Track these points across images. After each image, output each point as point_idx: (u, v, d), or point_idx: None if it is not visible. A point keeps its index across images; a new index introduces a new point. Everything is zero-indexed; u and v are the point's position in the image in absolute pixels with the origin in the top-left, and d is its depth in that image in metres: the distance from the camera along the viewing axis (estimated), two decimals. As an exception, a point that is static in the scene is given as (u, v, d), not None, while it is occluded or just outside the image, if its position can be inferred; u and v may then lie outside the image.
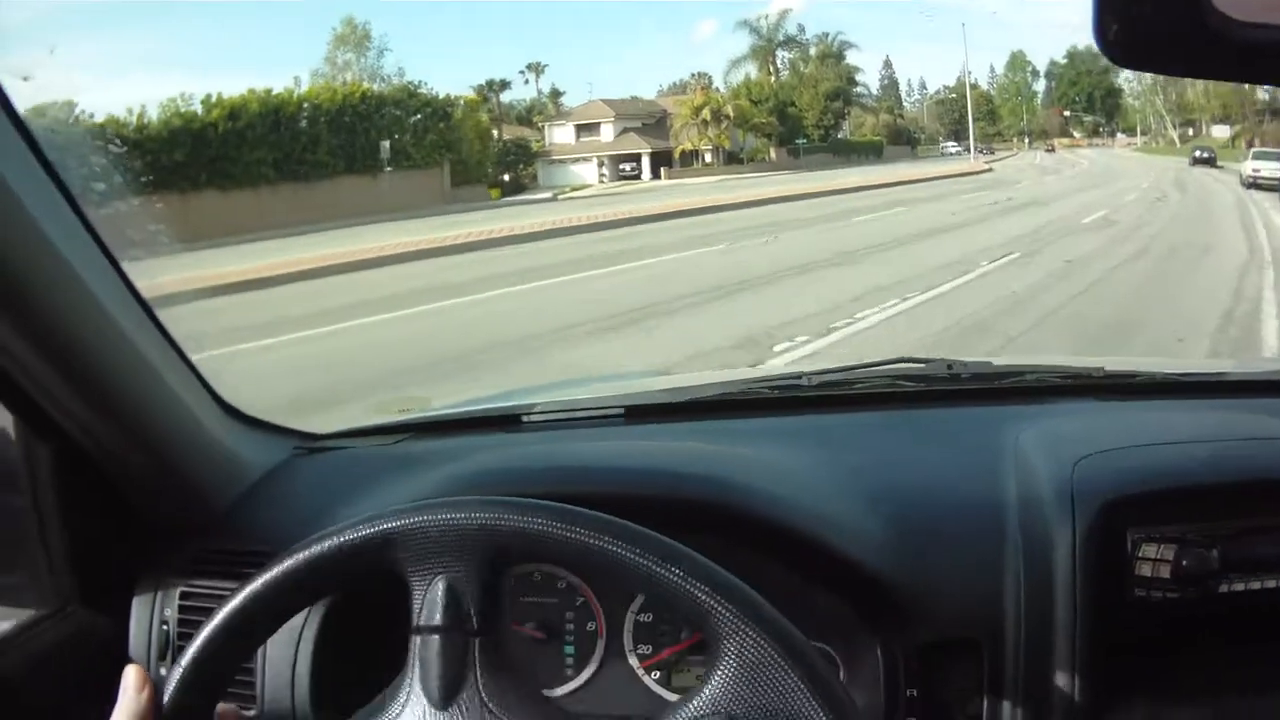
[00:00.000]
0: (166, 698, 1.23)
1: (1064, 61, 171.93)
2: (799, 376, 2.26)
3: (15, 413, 1.72)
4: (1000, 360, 2.48)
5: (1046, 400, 2.12)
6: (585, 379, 5.51)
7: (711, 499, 1.72)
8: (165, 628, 1.91)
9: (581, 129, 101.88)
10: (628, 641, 1.81)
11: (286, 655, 1.77)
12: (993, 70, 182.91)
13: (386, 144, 57.15)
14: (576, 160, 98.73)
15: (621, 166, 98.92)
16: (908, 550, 1.63)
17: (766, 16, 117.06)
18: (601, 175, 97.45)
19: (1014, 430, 1.88)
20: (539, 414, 2.27)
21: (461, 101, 71.44)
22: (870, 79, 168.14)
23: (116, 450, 1.78)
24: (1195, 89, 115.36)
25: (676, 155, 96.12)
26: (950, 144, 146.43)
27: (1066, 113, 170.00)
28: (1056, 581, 1.57)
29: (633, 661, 1.80)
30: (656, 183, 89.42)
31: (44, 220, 1.45)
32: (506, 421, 2.31)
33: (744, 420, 2.18)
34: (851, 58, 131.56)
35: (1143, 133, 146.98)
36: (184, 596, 1.92)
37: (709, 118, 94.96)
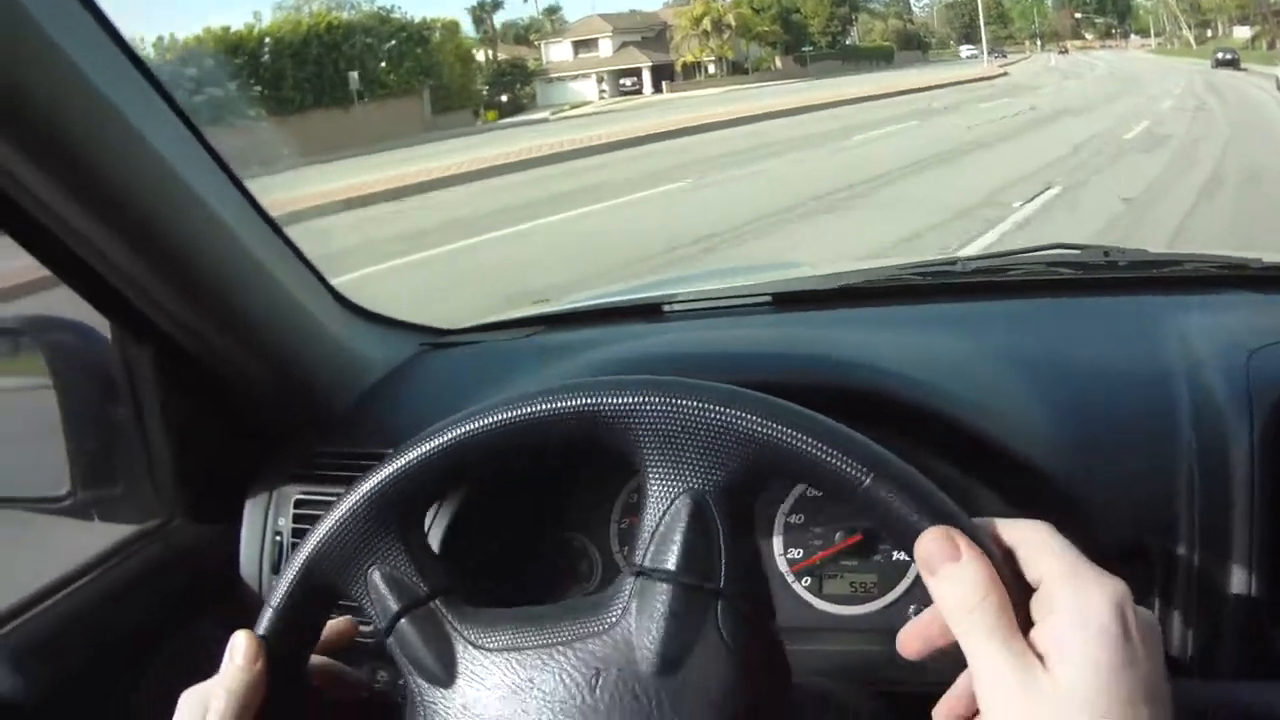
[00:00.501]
0: (272, 607, 1.11)
1: None
2: (953, 262, 2.16)
3: (109, 314, 1.62)
4: (1156, 249, 2.19)
5: (1206, 290, 1.96)
6: (728, 269, 4.75)
7: (869, 387, 1.58)
8: (279, 538, 1.80)
9: (579, 45, 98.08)
10: (778, 546, 1.66)
11: None
12: None
13: (355, 74, 53.90)
14: (575, 77, 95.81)
15: (622, 82, 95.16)
16: (1075, 447, 1.49)
17: None
18: (601, 91, 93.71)
19: (1177, 320, 1.74)
20: (681, 302, 2.18)
21: (439, 24, 67.89)
22: None
23: (223, 348, 1.68)
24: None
25: (678, 68, 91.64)
26: (965, 47, 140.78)
27: (1078, 14, 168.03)
28: (1234, 480, 1.43)
29: (783, 568, 1.65)
30: (658, 97, 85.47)
31: (143, 122, 1.39)
32: (647, 311, 2.21)
33: (896, 308, 2.04)
34: None
35: (1156, 34, 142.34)
36: (299, 505, 1.80)
37: (710, 28, 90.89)
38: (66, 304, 1.63)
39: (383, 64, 56.53)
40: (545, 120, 61.47)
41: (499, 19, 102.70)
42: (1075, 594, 0.86)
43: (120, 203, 1.39)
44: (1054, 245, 2.19)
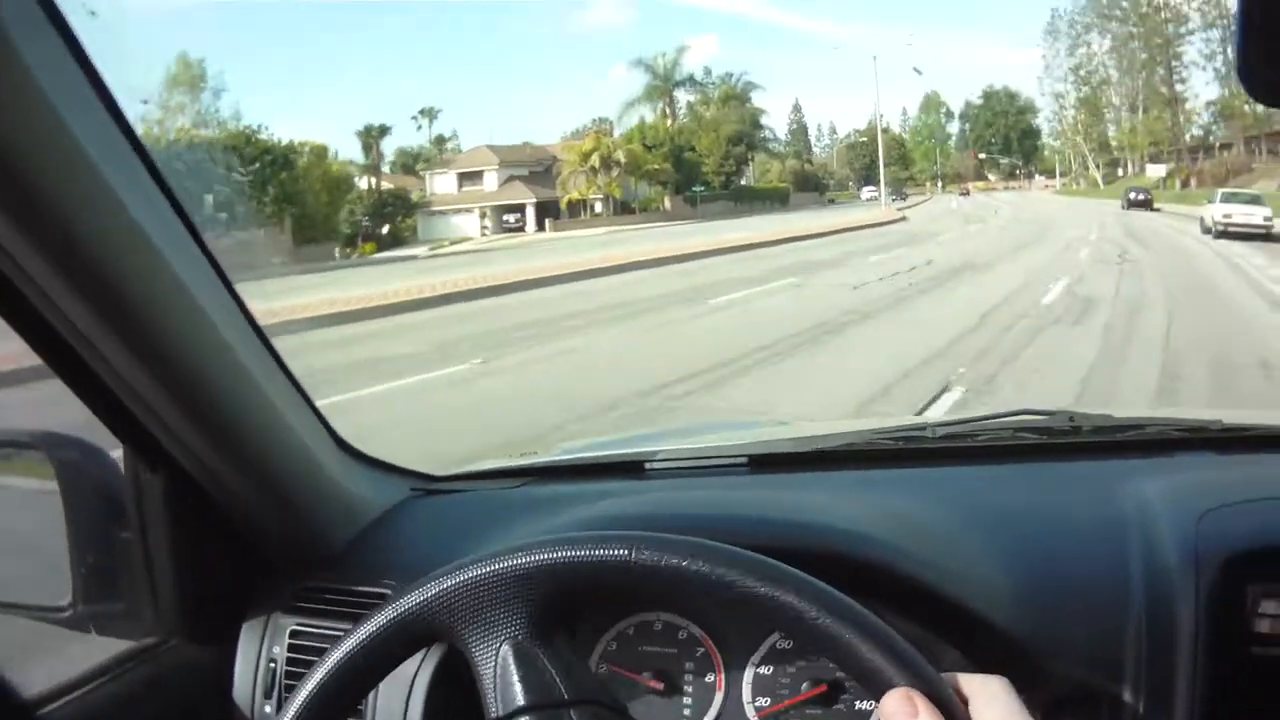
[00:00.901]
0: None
1: (979, 102, 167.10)
2: (922, 428, 2.26)
3: (126, 441, 1.73)
4: (1120, 413, 2.24)
5: (1166, 453, 2.07)
6: (707, 425, 5.19)
7: (842, 551, 1.68)
8: (273, 665, 1.90)
9: (464, 177, 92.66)
10: (746, 694, 1.74)
11: (397, 708, 1.75)
12: (905, 113, 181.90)
13: (210, 198, 47.12)
14: (458, 211, 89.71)
15: (505, 218, 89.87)
16: (1035, 607, 1.60)
17: (664, 55, 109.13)
18: (484, 228, 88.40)
19: (1136, 484, 1.84)
20: (663, 461, 2.24)
21: (307, 148, 63.27)
22: (778, 123, 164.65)
23: (232, 482, 1.77)
24: (1122, 126, 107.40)
25: (564, 205, 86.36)
26: (866, 189, 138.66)
27: (981, 155, 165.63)
28: (1179, 636, 1.53)
29: (750, 714, 1.73)
30: (540, 235, 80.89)
31: (166, 246, 1.45)
32: (630, 468, 2.27)
33: (868, 471, 2.14)
34: (758, 100, 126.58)
35: (1061, 174, 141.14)
36: (294, 635, 1.90)
37: (598, 164, 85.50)
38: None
39: (243, 187, 52.19)
40: (415, 257, 58.55)
41: (391, 146, 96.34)
42: None
43: (149, 341, 1.46)
44: (1020, 411, 2.24)
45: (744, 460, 2.19)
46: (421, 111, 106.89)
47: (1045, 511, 1.83)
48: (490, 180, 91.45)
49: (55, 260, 1.32)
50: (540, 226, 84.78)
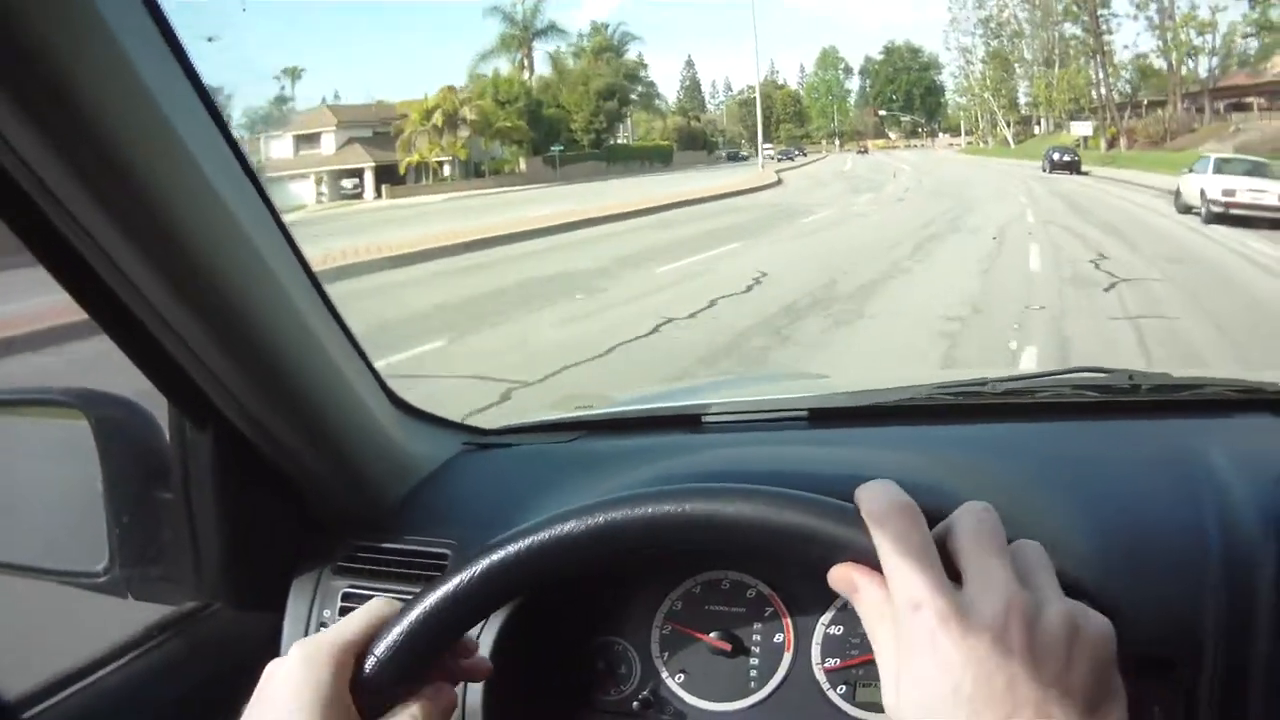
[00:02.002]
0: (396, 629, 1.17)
1: (880, 58, 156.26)
2: (983, 383, 2.19)
3: (173, 397, 1.66)
4: (1179, 372, 2.29)
5: (1225, 414, 2.07)
6: (763, 376, 5.62)
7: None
8: (324, 628, 1.71)
9: (301, 140, 79.63)
10: (815, 654, 1.69)
11: None
12: (803, 70, 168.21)
13: None
14: (294, 177, 76.25)
15: (343, 183, 77.51)
16: (1110, 565, 1.54)
17: (524, 1, 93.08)
18: (320, 195, 76.28)
19: (1201, 443, 1.79)
20: (719, 414, 2.21)
21: None
22: (669, 81, 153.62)
23: (284, 438, 1.70)
24: (1036, 82, 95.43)
25: (403, 169, 73.05)
26: (767, 146, 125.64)
27: (882, 112, 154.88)
28: (1259, 603, 1.48)
29: (819, 675, 1.68)
30: (377, 203, 69.86)
31: (225, 193, 1.40)
32: (686, 421, 2.23)
33: (928, 427, 2.08)
34: (639, 53, 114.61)
35: (968, 132, 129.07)
36: (346, 598, 1.82)
37: (440, 123, 71.94)
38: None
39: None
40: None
41: (238, 107, 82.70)
42: (973, 582, 0.95)
43: (202, 284, 1.41)
44: (1079, 368, 2.27)
45: (803, 413, 2.15)
46: (285, 70, 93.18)
47: (1112, 469, 1.75)
48: (329, 143, 79.57)
49: (106, 205, 1.26)
50: (379, 193, 73.12)
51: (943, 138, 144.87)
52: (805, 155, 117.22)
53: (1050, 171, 56.93)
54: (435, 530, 1.83)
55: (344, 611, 1.78)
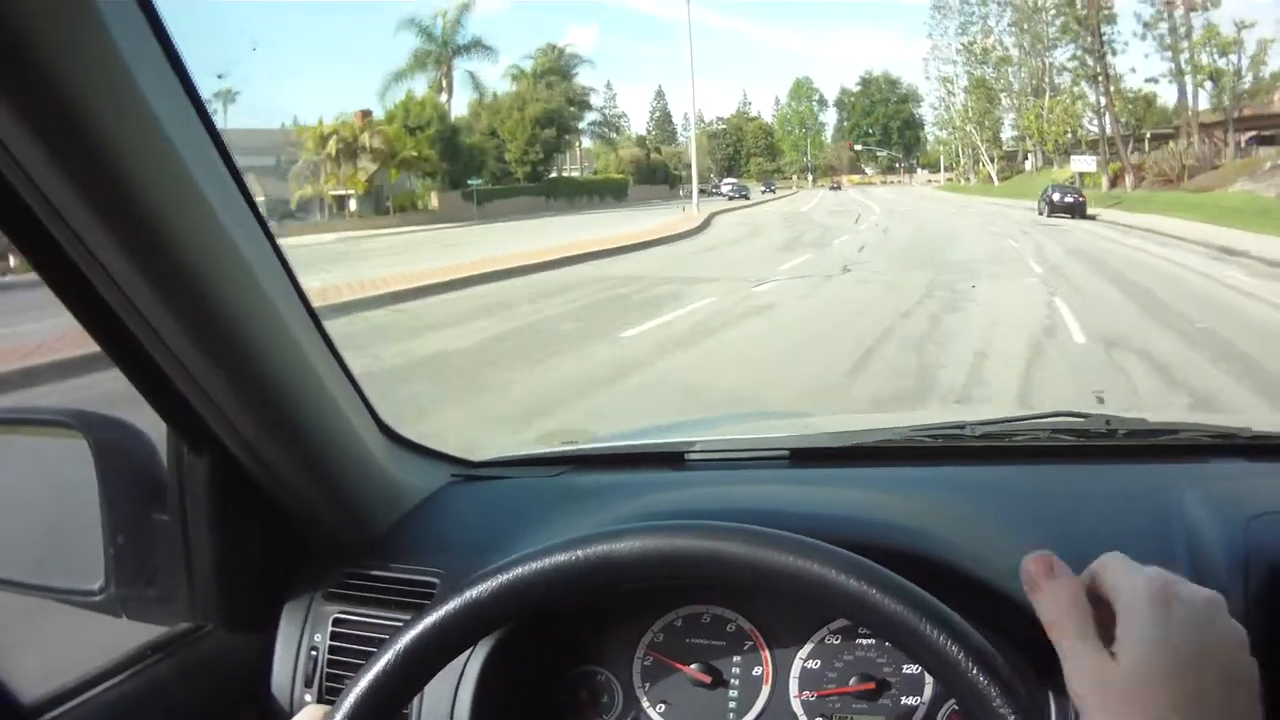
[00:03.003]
0: (352, 695, 1.24)
1: (857, 89, 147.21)
2: (961, 426, 2.19)
3: (171, 421, 1.69)
4: (1154, 417, 2.26)
5: (1200, 459, 2.06)
6: (745, 415, 4.96)
7: (882, 543, 1.62)
8: (314, 653, 1.86)
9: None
10: (793, 687, 1.73)
11: (446, 695, 1.71)
12: (778, 102, 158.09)
13: None
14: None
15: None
16: None
17: (445, 14, 78.74)
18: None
19: (1175, 488, 1.82)
20: (702, 452, 2.22)
21: None
22: (638, 112, 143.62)
23: (278, 464, 1.73)
24: (1024, 112, 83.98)
25: (294, 203, 60.98)
26: (727, 181, 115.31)
27: (858, 146, 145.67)
28: None
29: (796, 707, 1.72)
30: None
31: (226, 220, 1.42)
32: (669, 458, 2.24)
33: (907, 469, 2.10)
34: (610, 83, 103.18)
35: (948, 168, 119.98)
36: (337, 623, 1.86)
37: (335, 151, 60.03)
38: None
39: None
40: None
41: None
42: (1123, 594, 1.07)
43: (202, 312, 1.42)
44: (1058, 413, 2.23)
45: (784, 453, 2.16)
46: (216, 95, 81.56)
47: (1086, 514, 1.77)
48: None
49: (112, 229, 1.27)
50: (266, 230, 59.25)
51: (921, 174, 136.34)
52: (773, 191, 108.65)
53: (1049, 215, 46.01)
54: (424, 559, 1.84)
55: (335, 636, 1.81)
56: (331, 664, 1.83)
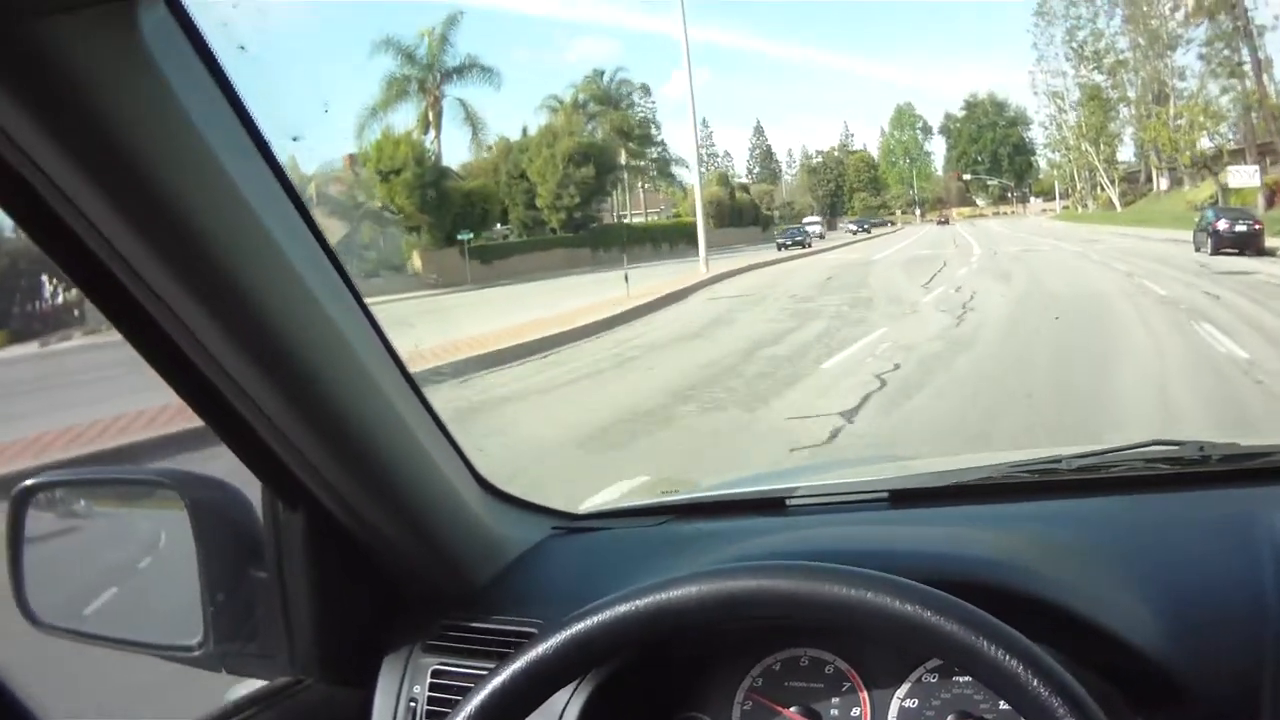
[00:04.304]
0: None
1: (961, 114, 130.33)
2: (1057, 460, 2.15)
3: (266, 479, 1.67)
4: (1246, 441, 2.22)
5: None
6: (843, 461, 5.32)
7: (986, 581, 1.62)
8: (413, 705, 1.83)
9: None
10: None
11: None
12: (883, 133, 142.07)
13: None
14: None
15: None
16: (1176, 636, 1.55)
17: (431, 31, 61.65)
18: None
19: (1266, 510, 1.78)
20: (803, 497, 2.19)
21: None
22: (737, 152, 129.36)
23: (374, 519, 1.71)
24: (1150, 125, 67.01)
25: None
26: (810, 219, 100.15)
27: (967, 176, 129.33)
28: None
29: None
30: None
31: (310, 278, 1.41)
32: (770, 505, 2.21)
33: (1006, 505, 2.08)
34: (654, 119, 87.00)
35: (1063, 195, 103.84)
36: (436, 674, 1.83)
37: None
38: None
39: None
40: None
41: None
42: None
43: (291, 370, 1.41)
44: (1152, 442, 2.15)
45: (884, 495, 2.12)
46: None
47: (1182, 541, 1.75)
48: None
49: (201, 295, 1.28)
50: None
51: (1035, 202, 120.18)
52: (867, 230, 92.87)
53: (1214, 251, 30.55)
54: (524, 610, 1.81)
55: (434, 688, 1.78)
56: (430, 715, 1.78)
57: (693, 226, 70.63)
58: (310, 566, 1.71)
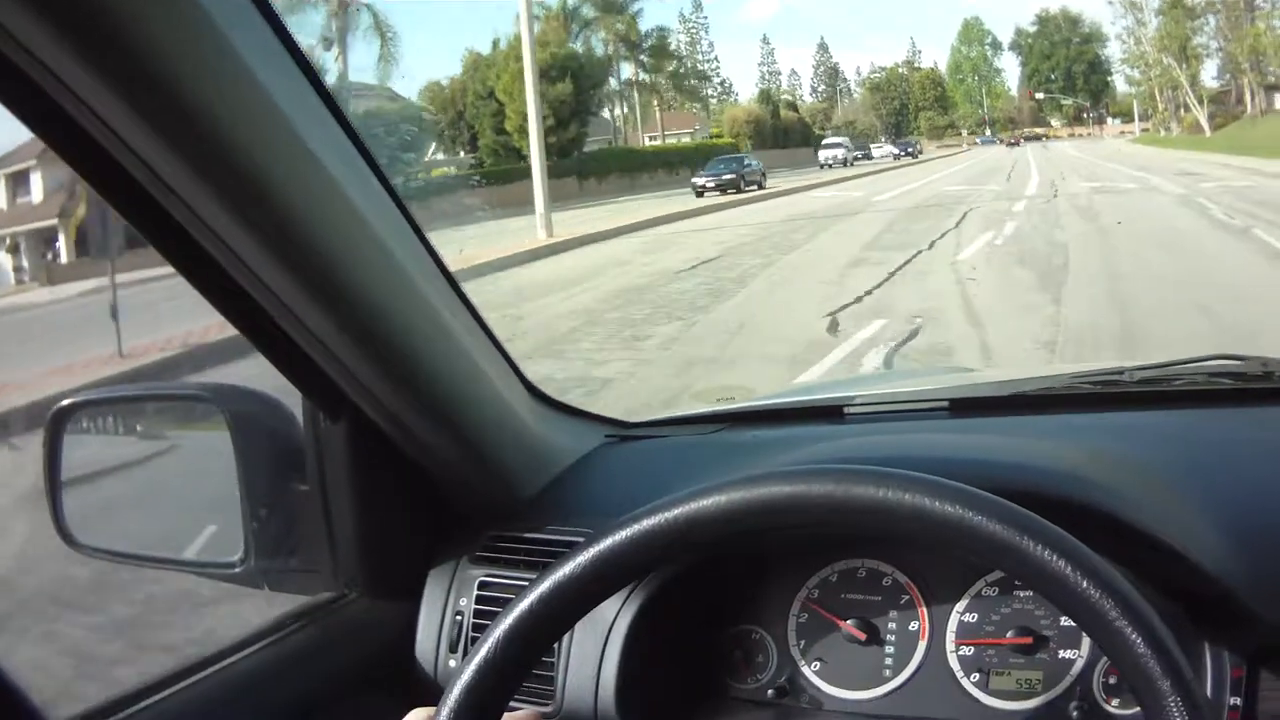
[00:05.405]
0: (458, 686, 1.14)
1: (1033, 30, 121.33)
2: (1120, 371, 2.07)
3: (307, 391, 1.64)
4: None
5: None
6: (903, 372, 5.18)
7: (1048, 491, 1.56)
8: (459, 617, 1.78)
9: (13, 183, 42.15)
10: (949, 643, 1.64)
11: (593, 652, 1.64)
12: (951, 50, 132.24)
13: None
14: (-2, 241, 54.16)
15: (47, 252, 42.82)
16: (1242, 552, 1.48)
17: None
18: (17, 268, 38.95)
19: None
20: (861, 406, 2.12)
21: None
22: (802, 70, 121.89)
23: (420, 430, 1.66)
24: (1250, 29, 54.84)
25: (73, 233, 34.71)
26: (832, 136, 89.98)
27: (1039, 95, 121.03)
28: None
29: (953, 664, 1.63)
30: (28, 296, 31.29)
31: (355, 190, 1.39)
32: (828, 413, 2.15)
33: (1068, 415, 2.00)
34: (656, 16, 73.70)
35: (1143, 116, 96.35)
36: (483, 586, 1.78)
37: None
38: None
39: None
40: None
41: None
42: None
43: (334, 279, 1.37)
44: (1216, 356, 2.08)
45: (944, 404, 2.06)
46: None
47: (1244, 458, 1.67)
48: (38, 186, 41.79)
49: (238, 206, 1.25)
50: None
51: (1112, 124, 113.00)
52: (910, 154, 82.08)
53: None
54: (575, 520, 1.76)
55: (480, 600, 1.74)
56: (477, 627, 1.73)
57: (710, 151, 58.74)
58: (354, 479, 1.67)
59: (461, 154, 56.20)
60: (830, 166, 63.90)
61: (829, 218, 27.50)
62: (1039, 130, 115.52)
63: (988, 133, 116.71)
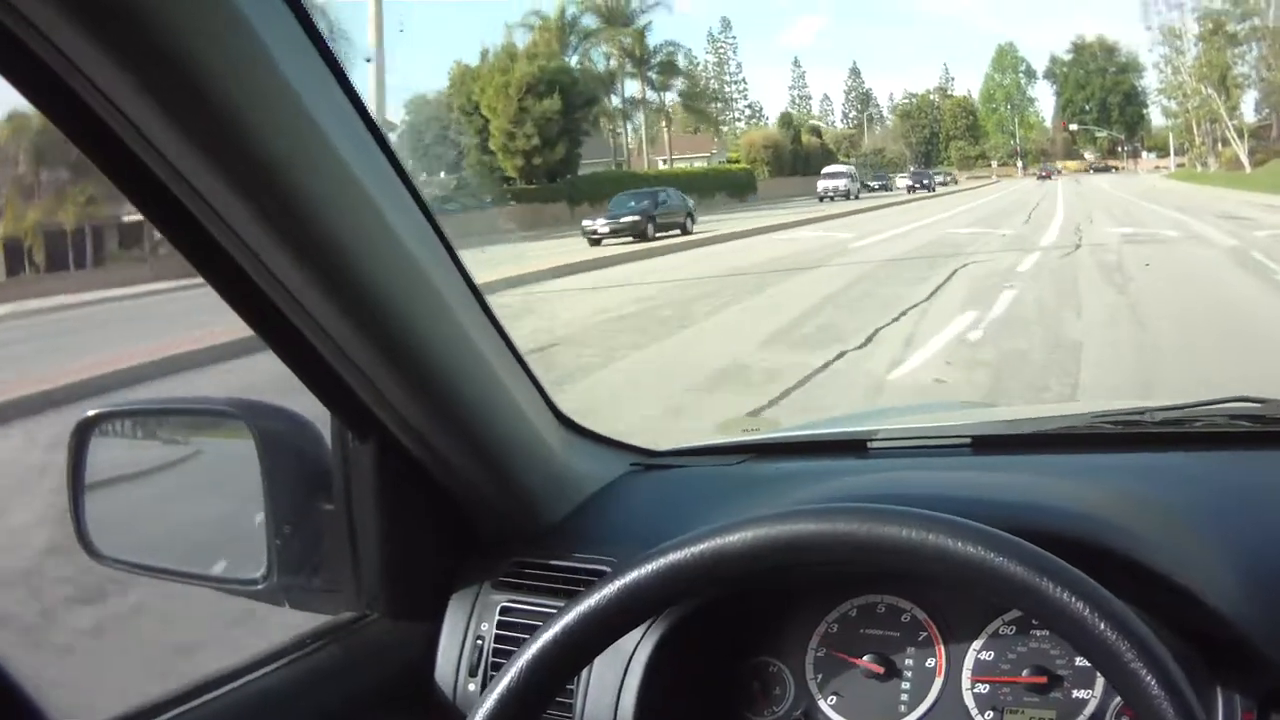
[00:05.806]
0: (481, 713, 1.18)
1: (1069, 58, 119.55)
2: (1141, 412, 2.10)
3: (336, 409, 1.65)
4: None
5: None
6: (926, 405, 5.19)
7: (1066, 532, 1.56)
8: (480, 642, 1.80)
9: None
10: (965, 680, 1.67)
11: (612, 682, 1.67)
12: (989, 80, 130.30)
13: None
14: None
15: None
16: (1260, 596, 1.49)
17: None
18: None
19: None
20: (884, 440, 2.15)
21: None
22: (835, 95, 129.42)
23: (447, 452, 1.69)
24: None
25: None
26: (837, 170, 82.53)
27: (1073, 126, 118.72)
28: None
29: (968, 701, 1.66)
30: None
31: (387, 207, 1.40)
32: (852, 446, 2.17)
33: (1089, 455, 2.02)
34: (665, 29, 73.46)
35: (1179, 150, 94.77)
36: (504, 611, 1.81)
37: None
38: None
39: None
40: None
41: None
42: None
43: (365, 298, 1.38)
44: (1236, 398, 2.07)
45: (966, 440, 2.07)
46: None
47: (1267, 501, 1.68)
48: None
49: (270, 222, 1.26)
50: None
51: (1147, 157, 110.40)
52: (926, 186, 76.23)
53: None
54: (599, 549, 1.78)
55: (501, 625, 1.77)
56: (497, 653, 1.76)
57: (724, 177, 56.59)
58: (380, 499, 1.68)
59: (442, 175, 53.51)
60: (830, 199, 58.40)
61: (771, 273, 21.56)
62: (1071, 164, 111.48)
63: (1019, 165, 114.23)
